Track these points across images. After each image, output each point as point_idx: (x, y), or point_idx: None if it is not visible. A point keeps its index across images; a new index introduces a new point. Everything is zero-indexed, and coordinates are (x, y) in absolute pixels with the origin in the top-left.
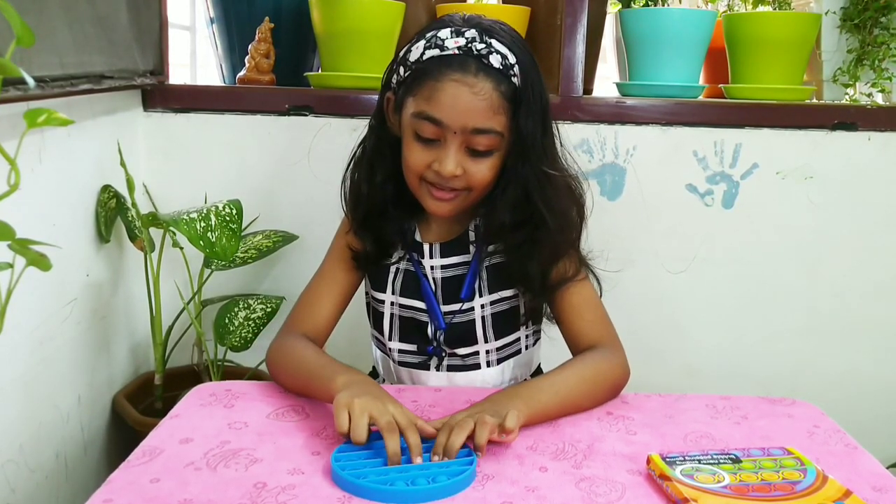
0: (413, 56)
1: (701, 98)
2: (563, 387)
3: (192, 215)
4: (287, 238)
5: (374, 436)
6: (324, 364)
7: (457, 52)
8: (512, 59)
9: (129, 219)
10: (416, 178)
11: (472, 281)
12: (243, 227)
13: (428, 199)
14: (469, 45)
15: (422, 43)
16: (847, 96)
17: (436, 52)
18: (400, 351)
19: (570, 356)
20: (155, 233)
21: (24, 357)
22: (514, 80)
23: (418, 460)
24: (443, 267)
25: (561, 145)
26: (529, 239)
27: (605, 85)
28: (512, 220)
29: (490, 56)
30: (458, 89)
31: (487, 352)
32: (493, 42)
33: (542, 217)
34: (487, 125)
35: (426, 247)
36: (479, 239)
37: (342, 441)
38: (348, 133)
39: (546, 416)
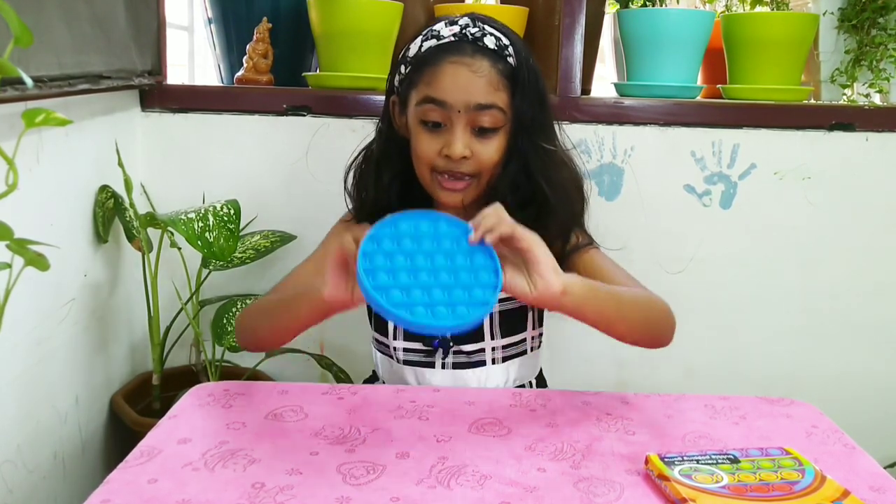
0: (412, 51)
1: (699, 98)
2: (620, 292)
3: (189, 215)
4: (285, 238)
5: (401, 220)
6: (287, 287)
7: (453, 38)
8: (506, 40)
9: (127, 219)
10: (428, 170)
11: None
12: (241, 227)
13: (439, 190)
14: (463, 30)
15: (419, 38)
16: (845, 97)
17: (433, 42)
18: (405, 350)
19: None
20: (153, 233)
21: (21, 357)
22: (510, 59)
23: None
24: None
25: (558, 125)
26: (535, 220)
27: (603, 85)
28: (514, 199)
29: (484, 38)
30: (457, 69)
31: (493, 349)
32: (486, 26)
33: (543, 194)
34: (489, 100)
35: None
36: None
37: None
38: (347, 133)
39: (598, 304)
